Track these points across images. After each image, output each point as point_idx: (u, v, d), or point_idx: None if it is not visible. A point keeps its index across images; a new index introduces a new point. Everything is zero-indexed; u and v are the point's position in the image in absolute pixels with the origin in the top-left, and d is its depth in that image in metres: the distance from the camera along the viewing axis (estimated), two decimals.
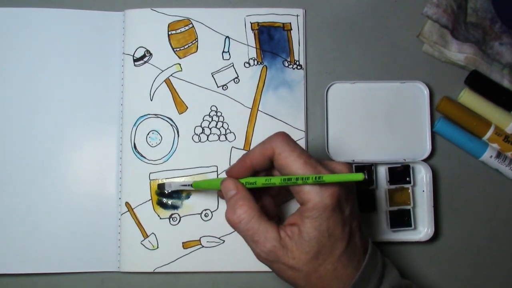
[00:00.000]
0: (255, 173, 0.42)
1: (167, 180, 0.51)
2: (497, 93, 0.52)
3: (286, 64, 0.53)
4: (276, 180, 0.39)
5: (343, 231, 0.38)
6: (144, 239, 0.50)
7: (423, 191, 0.52)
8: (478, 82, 0.53)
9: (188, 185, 0.48)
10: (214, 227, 0.51)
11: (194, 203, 0.51)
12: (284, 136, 0.40)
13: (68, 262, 0.50)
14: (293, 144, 0.39)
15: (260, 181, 0.40)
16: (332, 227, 0.38)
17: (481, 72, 0.53)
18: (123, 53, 0.53)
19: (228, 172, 0.43)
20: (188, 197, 0.51)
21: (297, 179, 0.37)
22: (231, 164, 0.48)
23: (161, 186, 0.50)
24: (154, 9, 0.53)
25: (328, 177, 0.36)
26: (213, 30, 0.53)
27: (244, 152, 0.52)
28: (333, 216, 0.37)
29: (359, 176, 0.35)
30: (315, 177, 0.36)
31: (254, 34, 0.53)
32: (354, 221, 0.39)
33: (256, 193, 0.42)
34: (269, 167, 0.41)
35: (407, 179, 0.51)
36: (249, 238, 0.40)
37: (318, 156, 0.52)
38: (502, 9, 0.53)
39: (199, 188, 0.47)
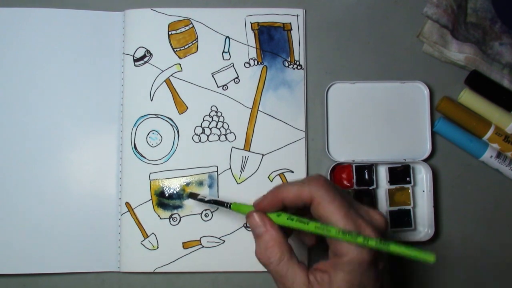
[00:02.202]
0: (284, 209, 0.40)
1: (202, 194, 0.50)
2: (497, 93, 0.52)
3: (286, 64, 0.53)
4: (332, 230, 0.35)
5: (375, 286, 0.36)
6: (144, 239, 0.50)
7: (423, 191, 0.52)
8: (478, 82, 0.53)
9: (227, 204, 0.44)
10: (214, 227, 0.51)
11: (194, 203, 0.51)
12: (324, 183, 0.37)
13: (68, 262, 0.50)
14: (333, 192, 0.37)
15: (313, 224, 0.37)
16: (365, 282, 0.36)
17: (481, 72, 0.53)
18: (123, 53, 0.53)
19: (256, 204, 0.40)
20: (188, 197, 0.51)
21: (358, 234, 0.34)
22: (261, 197, 0.41)
23: (192, 195, 0.49)
24: (154, 9, 0.53)
25: (395, 248, 0.34)
26: (213, 30, 0.53)
27: (244, 152, 0.52)
28: (368, 271, 0.36)
29: (431, 258, 0.32)
30: (379, 241, 0.34)
31: (254, 34, 0.53)
32: (386, 275, 0.38)
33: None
34: (301, 208, 0.39)
35: (407, 179, 0.51)
36: (277, 279, 0.38)
37: (318, 156, 0.52)
38: (502, 9, 0.53)
39: (238, 211, 0.43)
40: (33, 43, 0.53)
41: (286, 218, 0.38)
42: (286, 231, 0.41)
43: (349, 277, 0.36)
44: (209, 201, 0.48)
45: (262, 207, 0.39)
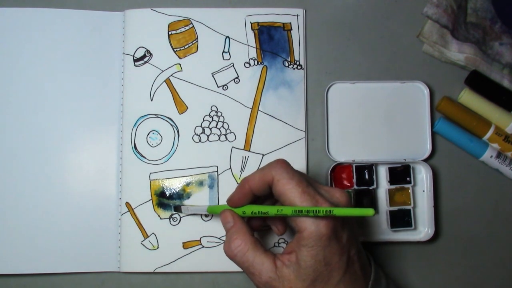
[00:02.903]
0: (256, 199, 0.42)
1: (184, 205, 0.51)
2: (497, 93, 0.52)
3: (286, 64, 0.53)
4: (287, 211, 0.38)
5: (340, 260, 0.38)
6: (145, 239, 0.50)
7: (423, 191, 0.52)
8: (478, 82, 0.53)
9: (203, 209, 0.48)
10: (214, 227, 0.51)
11: (194, 203, 0.51)
12: (283, 163, 0.40)
13: (68, 262, 0.50)
14: (292, 172, 0.39)
15: (272, 211, 0.39)
16: (328, 256, 0.37)
17: (481, 72, 0.53)
18: (123, 53, 0.53)
19: (228, 200, 0.43)
20: (188, 197, 0.51)
21: (308, 211, 0.36)
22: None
23: (177, 208, 0.50)
24: (154, 9, 0.53)
25: (338, 211, 0.36)
26: (213, 30, 0.53)
27: (244, 152, 0.52)
28: (330, 245, 0.37)
29: (369, 212, 0.35)
30: (326, 211, 0.36)
31: (254, 34, 0.53)
32: (352, 248, 0.39)
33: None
34: (269, 193, 0.41)
35: (407, 179, 0.51)
36: (245, 270, 0.40)
37: (318, 156, 0.52)
38: (502, 9, 0.53)
39: (213, 213, 0.46)
40: (33, 43, 0.52)
41: (251, 212, 0.41)
42: (252, 227, 0.44)
43: (312, 251, 0.37)
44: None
45: (234, 202, 0.42)
